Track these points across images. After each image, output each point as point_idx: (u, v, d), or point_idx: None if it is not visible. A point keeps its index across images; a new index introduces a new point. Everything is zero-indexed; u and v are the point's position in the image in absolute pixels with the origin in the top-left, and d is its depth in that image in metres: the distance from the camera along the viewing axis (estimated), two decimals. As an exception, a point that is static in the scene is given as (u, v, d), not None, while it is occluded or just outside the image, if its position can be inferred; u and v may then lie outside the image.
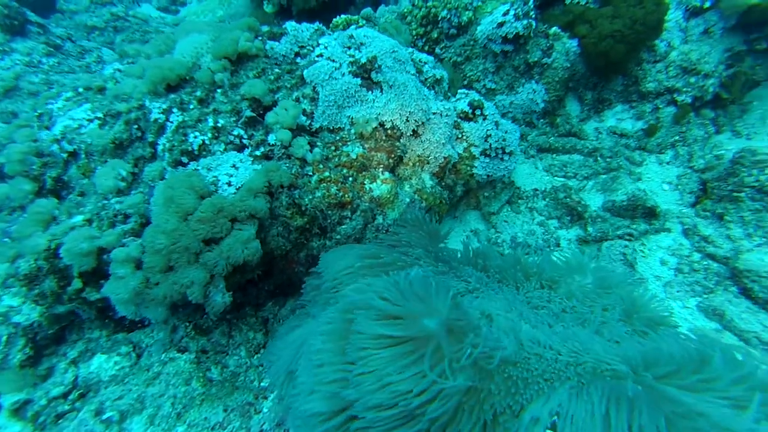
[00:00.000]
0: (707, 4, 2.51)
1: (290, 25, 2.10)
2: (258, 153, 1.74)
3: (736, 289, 2.20)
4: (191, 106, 1.88)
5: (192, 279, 1.54)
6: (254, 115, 1.79)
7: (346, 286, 1.50)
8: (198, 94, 1.89)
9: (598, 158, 2.80)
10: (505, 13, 2.47)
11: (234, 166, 1.68)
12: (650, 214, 2.53)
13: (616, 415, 1.03)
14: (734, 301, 2.15)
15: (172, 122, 1.84)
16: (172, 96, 1.91)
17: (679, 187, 2.70)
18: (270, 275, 1.80)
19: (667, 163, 2.83)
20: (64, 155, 1.92)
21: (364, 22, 2.55)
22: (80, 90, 2.08)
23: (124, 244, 1.68)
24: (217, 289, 1.54)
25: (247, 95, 1.82)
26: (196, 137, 1.77)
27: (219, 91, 1.90)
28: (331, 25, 2.50)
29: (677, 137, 2.84)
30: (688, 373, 1.12)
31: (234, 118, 1.83)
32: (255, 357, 1.83)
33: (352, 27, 2.41)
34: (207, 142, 1.79)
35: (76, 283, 1.78)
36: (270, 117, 1.77)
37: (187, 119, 1.83)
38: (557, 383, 1.17)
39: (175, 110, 1.87)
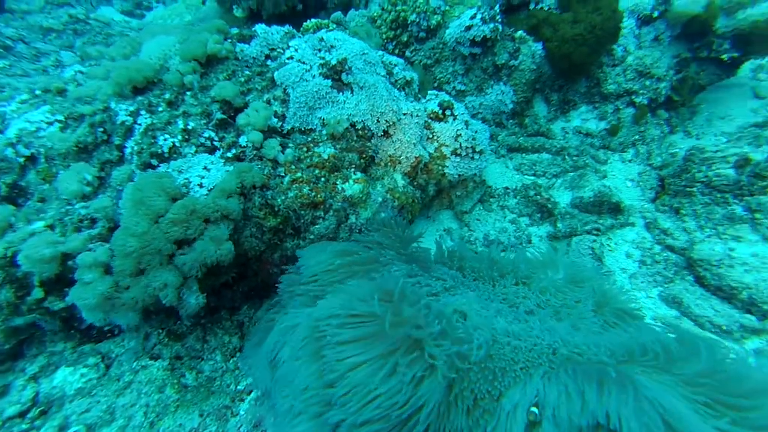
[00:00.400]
0: (656, 14, 2.72)
1: (260, 27, 2.14)
2: (230, 155, 1.77)
3: (692, 277, 2.37)
4: (160, 109, 1.88)
5: (165, 281, 1.54)
6: (225, 117, 1.82)
7: (326, 285, 1.54)
8: (167, 96, 1.90)
9: (566, 157, 2.95)
10: (473, 17, 2.59)
11: (206, 168, 1.70)
12: (615, 209, 2.69)
13: (588, 391, 1.11)
14: (690, 289, 2.32)
15: (140, 125, 1.84)
16: (140, 98, 1.91)
17: (641, 183, 2.88)
18: (244, 277, 1.82)
19: (629, 161, 3.02)
20: (21, 160, 1.88)
21: (335, 26, 2.62)
22: (37, 92, 2.05)
23: (91, 249, 1.66)
24: (190, 291, 1.56)
25: (217, 97, 1.85)
26: (165, 140, 1.78)
27: (188, 93, 1.91)
28: (301, 29, 2.56)
29: (637, 136, 3.04)
30: (652, 359, 1.23)
31: (204, 121, 1.85)
32: (231, 361, 1.84)
33: (323, 30, 2.47)
34: (177, 144, 1.80)
35: (37, 293, 1.74)
36: (241, 119, 1.80)
37: (156, 122, 1.84)
38: (533, 370, 1.26)
39: (143, 112, 1.87)
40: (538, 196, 2.71)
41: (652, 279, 2.45)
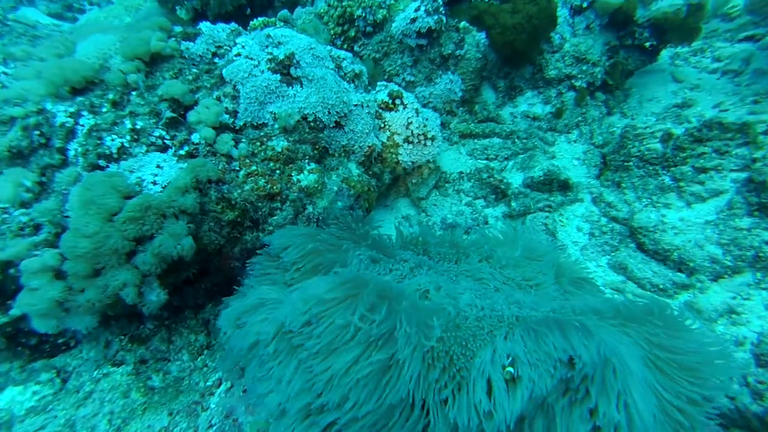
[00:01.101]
0: (585, 4, 3.01)
1: (205, 25, 2.20)
2: (182, 152, 1.82)
3: (634, 245, 2.63)
4: (104, 109, 1.90)
5: (124, 280, 1.58)
6: (175, 115, 1.87)
7: (301, 266, 1.61)
8: (110, 96, 1.92)
9: (516, 140, 3.17)
10: (417, 9, 2.75)
11: (158, 166, 1.74)
12: (564, 186, 2.93)
13: (554, 336, 1.24)
14: (633, 255, 2.58)
15: (83, 126, 1.85)
16: (80, 99, 1.92)
17: (586, 161, 3.14)
18: (206, 274, 1.87)
19: (574, 141, 3.28)
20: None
21: (282, 24, 2.69)
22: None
23: (36, 255, 1.66)
24: (151, 288, 1.60)
25: (165, 96, 1.89)
26: (113, 140, 1.81)
27: (134, 93, 1.94)
28: (248, 27, 2.62)
29: (580, 118, 3.31)
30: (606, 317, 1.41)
31: (153, 120, 1.88)
32: (199, 359, 1.88)
33: (270, 27, 2.55)
34: (126, 144, 1.83)
35: (-26, 308, 1.72)
36: (192, 116, 1.85)
37: (100, 122, 1.86)
38: (496, 331, 1.39)
39: (85, 113, 1.88)
40: (492, 179, 2.91)
41: (600, 249, 2.70)
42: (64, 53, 2.09)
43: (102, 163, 1.79)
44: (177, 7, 3.30)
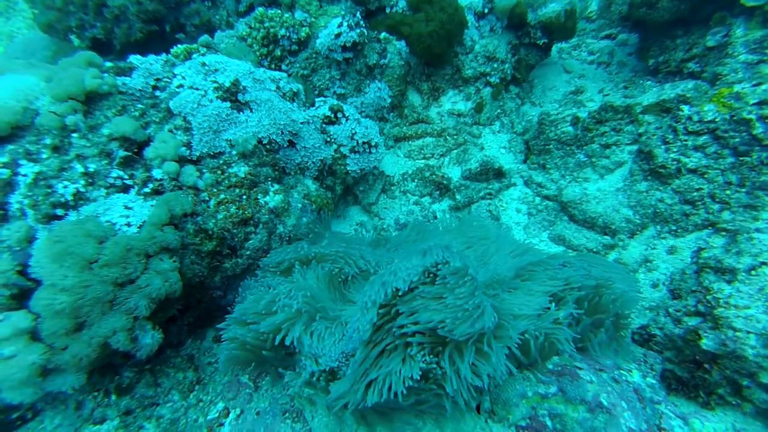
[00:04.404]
0: (486, 10, 3.71)
1: (136, 58, 2.35)
2: (147, 190, 1.98)
3: (566, 217, 3.28)
4: (44, 155, 1.98)
5: (113, 327, 1.70)
6: (129, 153, 2.02)
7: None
8: (48, 141, 2.01)
9: (447, 137, 3.70)
10: (340, 25, 3.14)
11: (126, 207, 1.88)
12: (499, 174, 3.50)
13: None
14: (568, 227, 3.21)
15: (25, 175, 1.92)
16: (11, 147, 1.98)
17: (511, 149, 3.78)
18: (188, 308, 2.03)
19: (498, 132, 3.91)
20: None
21: (205, 49, 2.90)
22: None
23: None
24: (144, 331, 1.74)
25: (115, 134, 2.03)
26: (66, 187, 1.91)
27: (75, 135, 2.05)
28: (170, 55, 2.78)
29: (499, 110, 3.95)
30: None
31: (106, 161, 2.01)
32: (191, 396, 2.02)
33: (196, 55, 2.74)
34: (82, 189, 1.94)
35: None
36: (150, 152, 2.02)
37: (45, 170, 1.94)
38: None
39: (23, 162, 1.95)
40: (434, 176, 3.39)
41: (540, 225, 3.30)
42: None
43: (59, 212, 1.88)
44: (71, 36, 3.30)
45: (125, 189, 1.98)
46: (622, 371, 1.94)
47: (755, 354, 2.12)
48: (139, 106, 2.17)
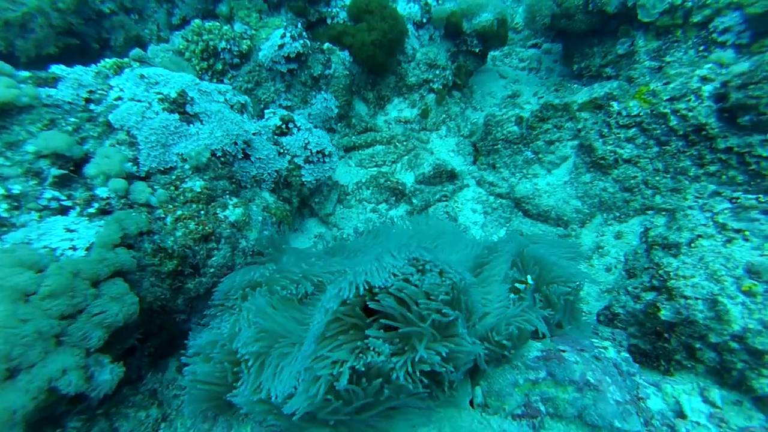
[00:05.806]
0: (424, 20, 3.85)
1: (59, 68, 2.15)
2: (92, 210, 1.78)
3: (521, 213, 3.40)
4: (-42, 183, 1.74)
5: (62, 367, 1.49)
6: (65, 172, 1.82)
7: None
8: (-38, 166, 1.77)
9: (396, 144, 3.74)
10: (283, 36, 3.10)
11: (68, 229, 1.68)
12: (452, 176, 3.58)
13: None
14: (523, 222, 3.33)
15: (-65, 208, 1.67)
16: None
17: (460, 152, 3.88)
18: (149, 336, 1.84)
19: (445, 137, 4.01)
20: None
21: (137, 64, 2.72)
22: None
23: None
24: (101, 366, 1.54)
25: (44, 151, 1.82)
26: (-13, 214, 1.68)
27: (-5, 156, 1.82)
28: (97, 68, 2.58)
29: (444, 115, 4.07)
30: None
31: (35, 181, 1.80)
32: (159, 433, 1.81)
33: (127, 70, 2.57)
34: (4, 214, 1.71)
35: None
36: (91, 169, 1.83)
37: (-40, 199, 1.70)
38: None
39: (-67, 193, 1.69)
40: (388, 182, 3.39)
41: (497, 223, 3.39)
42: None
43: (-19, 243, 1.64)
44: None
45: (64, 211, 1.78)
46: (600, 349, 2.01)
47: (704, 317, 2.29)
48: (72, 119, 1.97)
